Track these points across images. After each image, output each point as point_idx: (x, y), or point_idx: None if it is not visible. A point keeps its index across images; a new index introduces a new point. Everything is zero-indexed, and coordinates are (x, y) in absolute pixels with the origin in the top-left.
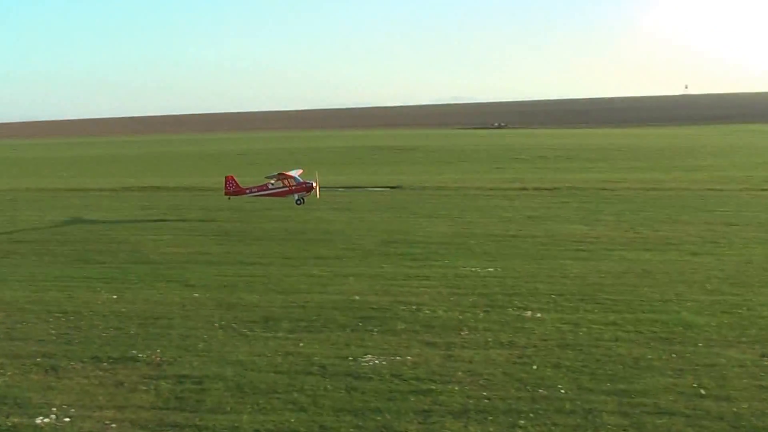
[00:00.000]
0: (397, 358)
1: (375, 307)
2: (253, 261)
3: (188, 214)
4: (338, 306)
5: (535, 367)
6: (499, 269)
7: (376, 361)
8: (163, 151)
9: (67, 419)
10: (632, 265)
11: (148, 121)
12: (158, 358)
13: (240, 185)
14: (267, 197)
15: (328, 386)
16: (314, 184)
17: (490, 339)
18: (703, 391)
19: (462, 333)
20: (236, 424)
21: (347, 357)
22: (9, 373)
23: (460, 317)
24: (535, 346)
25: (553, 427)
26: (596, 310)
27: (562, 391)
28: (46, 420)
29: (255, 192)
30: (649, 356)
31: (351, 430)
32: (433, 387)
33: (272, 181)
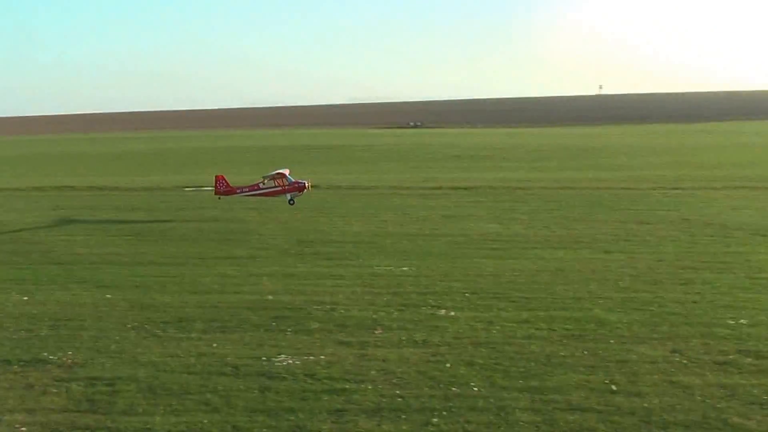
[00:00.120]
0: (311, 357)
1: (289, 306)
2: (167, 261)
3: (101, 214)
4: (252, 306)
5: (448, 365)
6: (413, 268)
7: (290, 361)
8: (79, 150)
9: None
10: (546, 263)
11: (59, 120)
12: (69, 360)
13: (230, 185)
14: (258, 197)
15: (241, 386)
16: (307, 184)
17: (404, 338)
18: (614, 387)
19: (376, 332)
20: (149, 426)
21: (261, 357)
22: None
23: (375, 316)
24: (448, 345)
25: (466, 425)
26: (510, 308)
27: (476, 388)
28: None
29: (246, 192)
30: (562, 353)
31: (264, 430)
32: (347, 386)
33: (265, 181)
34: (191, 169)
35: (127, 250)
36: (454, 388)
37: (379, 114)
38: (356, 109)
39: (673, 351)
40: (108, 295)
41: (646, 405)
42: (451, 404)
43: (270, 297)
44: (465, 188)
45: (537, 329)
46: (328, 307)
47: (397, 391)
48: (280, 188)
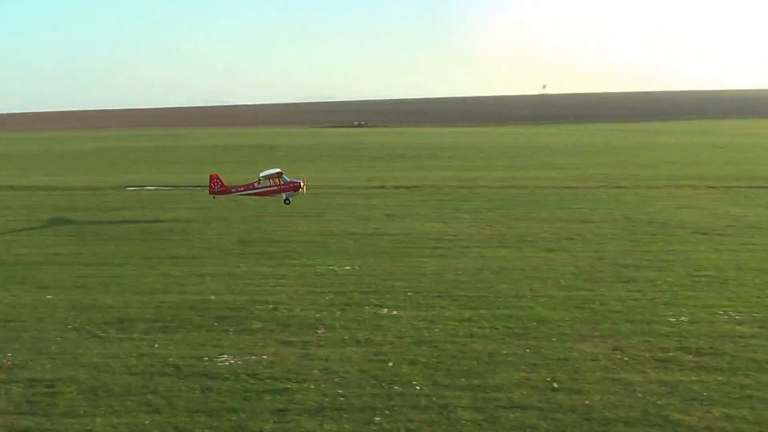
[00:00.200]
0: (253, 357)
1: (231, 306)
2: (109, 261)
3: (42, 214)
4: (194, 306)
5: (390, 364)
6: (356, 267)
7: (232, 361)
8: (17, 150)
9: None
10: (488, 262)
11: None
12: (9, 362)
13: (225, 184)
14: (253, 196)
15: (183, 387)
16: (302, 183)
17: (346, 337)
18: (555, 385)
19: (318, 331)
20: (89, 428)
21: (203, 357)
22: None
23: (317, 315)
24: (391, 344)
25: (408, 423)
26: (452, 307)
27: (417, 387)
28: None
29: (241, 191)
30: (504, 351)
31: (205, 430)
32: (289, 386)
33: (260, 180)
34: (134, 169)
35: (68, 251)
36: (396, 387)
37: (324, 113)
38: (302, 108)
39: (615, 348)
40: (49, 296)
41: (587, 402)
42: (393, 403)
43: (213, 297)
44: (409, 187)
45: (479, 328)
46: (271, 306)
47: (340, 391)
48: (275, 188)
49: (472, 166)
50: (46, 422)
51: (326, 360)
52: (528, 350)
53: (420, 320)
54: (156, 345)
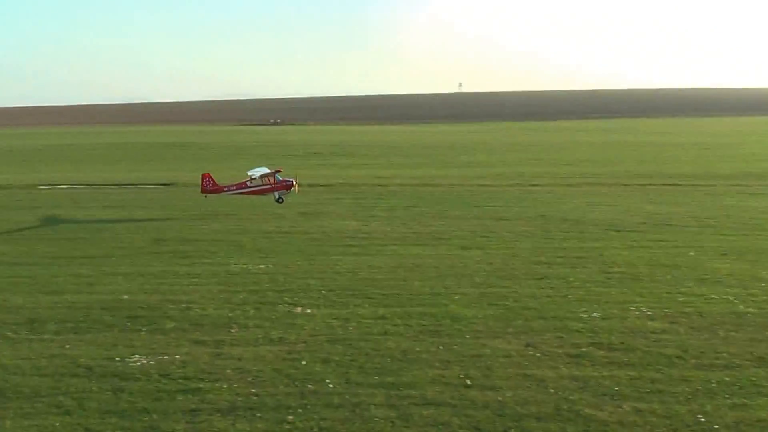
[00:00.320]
0: (166, 357)
1: (144, 306)
2: (19, 261)
3: None
4: (106, 306)
5: (304, 362)
6: (270, 266)
7: (144, 361)
8: None
9: None
10: (403, 259)
11: None
12: None
13: (217, 183)
14: (246, 195)
15: (94, 388)
16: (294, 182)
17: (260, 336)
18: (469, 382)
19: (232, 330)
20: None
21: (114, 358)
22: None
23: (231, 315)
24: (304, 342)
25: (321, 422)
26: (366, 305)
27: (331, 385)
28: None
29: (234, 190)
30: (418, 349)
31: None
32: (201, 385)
33: (253, 178)
34: (47, 167)
35: None
36: (309, 386)
37: (239, 111)
38: (217, 106)
39: (527, 345)
40: None
41: (500, 398)
42: (306, 402)
43: (125, 296)
44: (324, 185)
45: (393, 325)
46: (184, 306)
47: (253, 390)
48: (268, 186)
49: (388, 164)
50: None
51: (239, 359)
52: (441, 347)
53: (334, 318)
54: (67, 346)
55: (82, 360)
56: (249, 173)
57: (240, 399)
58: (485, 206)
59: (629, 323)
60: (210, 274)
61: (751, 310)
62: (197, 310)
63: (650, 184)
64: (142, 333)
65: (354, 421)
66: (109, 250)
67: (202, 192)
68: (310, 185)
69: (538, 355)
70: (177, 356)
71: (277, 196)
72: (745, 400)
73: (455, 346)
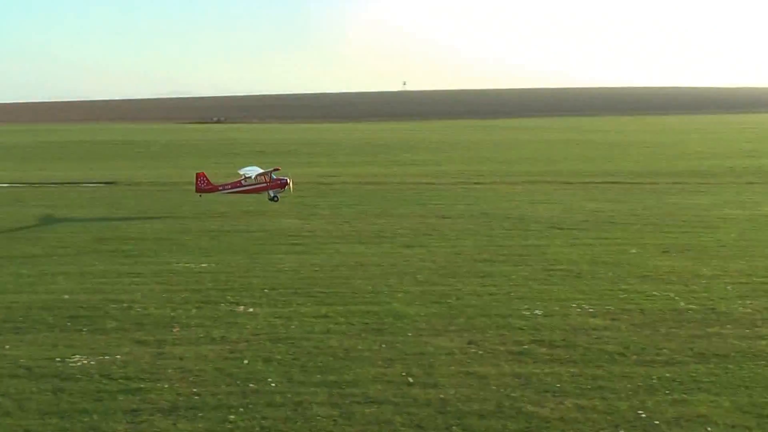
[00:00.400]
0: (107, 357)
1: (85, 306)
2: None
3: None
4: (47, 306)
5: (246, 361)
6: (213, 264)
7: (85, 361)
8: None
9: None
10: (346, 258)
11: None
12: None
13: (211, 182)
14: (240, 194)
15: (34, 389)
16: (288, 180)
17: (201, 335)
18: (411, 380)
19: (173, 330)
20: None
21: (55, 358)
22: None
23: (172, 314)
24: (247, 341)
25: (263, 421)
26: (309, 303)
27: (273, 384)
28: None
29: (229, 189)
30: (360, 347)
31: None
32: (143, 385)
33: (250, 177)
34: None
35: None
36: (251, 385)
37: (182, 109)
38: (158, 104)
39: (470, 342)
40: None
41: (442, 396)
42: (248, 401)
43: (66, 296)
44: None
45: (336, 324)
46: (125, 305)
47: (194, 389)
48: (263, 185)
49: (331, 162)
50: None
51: (181, 359)
52: (384, 345)
53: (276, 317)
54: (7, 346)
55: (22, 360)
56: (240, 172)
57: (181, 399)
58: (429, 204)
59: (571, 320)
60: (152, 273)
61: (692, 306)
62: (139, 309)
63: (593, 182)
64: (83, 333)
65: (296, 420)
66: (50, 249)
67: (197, 191)
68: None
69: (481, 352)
70: (118, 356)
71: (272, 195)
72: (685, 396)
73: (398, 344)
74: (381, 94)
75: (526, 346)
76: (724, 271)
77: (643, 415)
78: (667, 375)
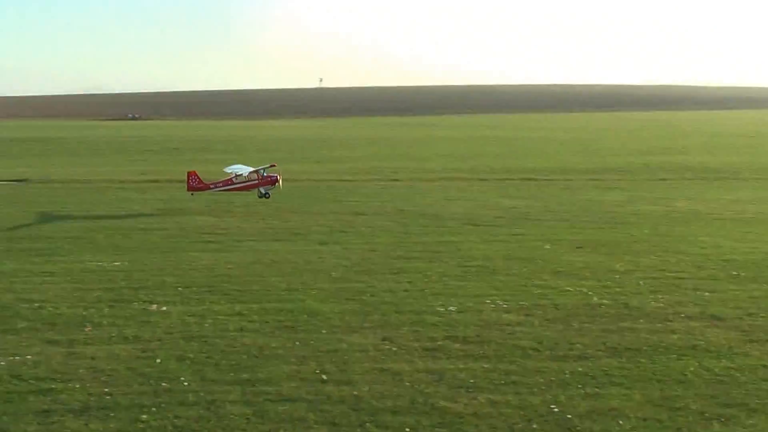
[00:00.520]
0: (17, 357)
1: None
2: None
3: None
4: None
5: (159, 360)
6: (126, 263)
7: None
8: None
9: None
10: (260, 255)
11: None
12: None
13: (202, 181)
14: (232, 192)
15: None
16: (278, 177)
17: (114, 334)
18: (325, 377)
19: (85, 329)
20: None
21: None
22: None
23: (84, 313)
24: (159, 340)
25: (175, 420)
26: (222, 301)
27: (186, 383)
28: None
29: (220, 187)
30: (274, 345)
31: None
32: (54, 386)
33: (236, 175)
34: None
35: None
36: (164, 384)
37: (97, 105)
38: (72, 100)
39: (384, 339)
40: None
41: (356, 393)
42: (160, 400)
43: None
44: (182, 181)
45: (250, 321)
46: (37, 305)
47: (106, 389)
48: (254, 182)
49: (246, 159)
50: None
51: (93, 358)
52: (298, 343)
53: (190, 315)
54: None
55: None
56: (227, 170)
57: (93, 399)
58: (344, 201)
59: (485, 316)
60: (64, 271)
61: (604, 301)
62: (50, 308)
63: (508, 179)
64: None
65: (209, 418)
66: None
67: (189, 190)
68: (168, 180)
69: (395, 349)
70: (29, 356)
71: (263, 191)
72: (597, 390)
73: (311, 342)
74: (297, 91)
75: (440, 342)
76: (637, 266)
77: (556, 410)
78: (580, 369)
